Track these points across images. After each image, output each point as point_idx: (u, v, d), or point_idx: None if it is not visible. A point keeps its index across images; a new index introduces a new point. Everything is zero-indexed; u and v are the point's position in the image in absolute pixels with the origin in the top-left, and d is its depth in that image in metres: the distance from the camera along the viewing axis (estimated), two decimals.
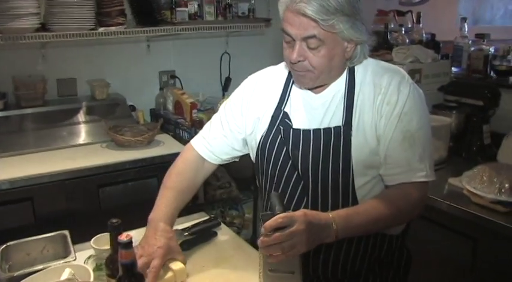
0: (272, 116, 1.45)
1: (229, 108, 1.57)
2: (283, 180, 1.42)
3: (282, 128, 1.42)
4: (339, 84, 1.39)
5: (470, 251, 1.90)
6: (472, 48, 2.76)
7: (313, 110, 1.41)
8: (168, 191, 1.51)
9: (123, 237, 1.06)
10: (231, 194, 3.09)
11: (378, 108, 1.34)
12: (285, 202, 1.36)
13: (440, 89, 2.63)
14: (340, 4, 1.24)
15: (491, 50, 2.69)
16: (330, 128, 1.36)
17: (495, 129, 2.45)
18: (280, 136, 1.42)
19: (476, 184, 1.88)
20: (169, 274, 1.33)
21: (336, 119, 1.37)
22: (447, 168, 2.31)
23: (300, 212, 1.16)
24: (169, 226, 1.42)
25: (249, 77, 1.59)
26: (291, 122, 1.42)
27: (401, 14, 3.61)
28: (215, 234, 1.63)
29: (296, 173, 1.40)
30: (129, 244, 1.06)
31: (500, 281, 1.83)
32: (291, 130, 1.40)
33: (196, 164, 1.59)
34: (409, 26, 3.44)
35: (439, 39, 3.09)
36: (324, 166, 1.36)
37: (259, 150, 1.47)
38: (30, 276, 1.22)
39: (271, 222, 1.12)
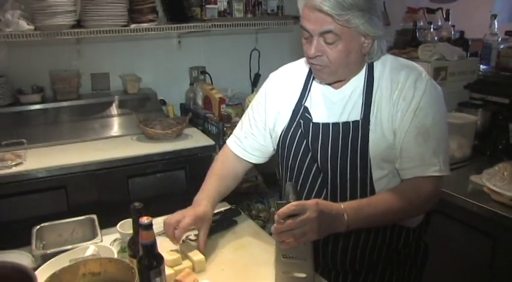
0: (293, 110, 1.51)
1: (255, 106, 1.64)
2: (303, 172, 1.47)
3: (302, 121, 1.47)
4: (358, 80, 1.43)
5: (489, 249, 1.91)
6: (502, 46, 2.73)
7: (333, 105, 1.45)
8: (212, 176, 1.63)
9: (144, 219, 1.13)
10: (258, 188, 3.14)
11: (395, 103, 1.38)
12: (304, 194, 1.43)
13: (466, 87, 2.62)
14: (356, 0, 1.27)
15: None
16: (348, 122, 1.40)
17: None
18: (300, 130, 1.47)
19: (496, 181, 1.88)
20: (188, 264, 1.39)
21: (354, 114, 1.41)
22: (471, 165, 2.32)
23: (312, 201, 1.21)
24: (209, 204, 1.52)
25: (271, 75, 1.65)
26: (311, 116, 1.47)
27: (431, 11, 3.58)
28: (235, 222, 1.69)
29: (316, 165, 1.44)
30: (149, 226, 1.13)
31: None
32: (311, 124, 1.45)
33: (234, 161, 1.67)
34: (439, 23, 3.42)
35: (471, 37, 3.06)
36: (342, 159, 1.40)
37: (280, 143, 1.53)
38: (61, 254, 1.32)
39: (284, 209, 1.18)
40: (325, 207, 1.22)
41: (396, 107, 1.38)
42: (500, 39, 2.80)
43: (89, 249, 1.28)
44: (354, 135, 1.39)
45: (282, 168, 1.55)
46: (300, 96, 1.52)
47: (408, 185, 1.38)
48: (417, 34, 3.10)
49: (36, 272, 1.14)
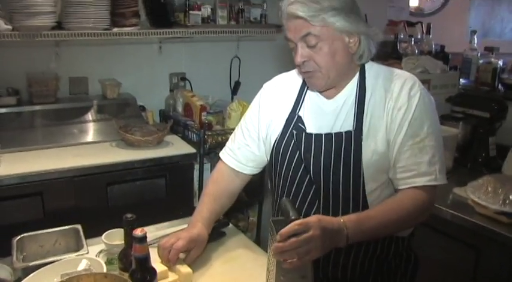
0: (286, 120, 1.50)
1: (248, 116, 1.63)
2: (295, 183, 1.46)
3: (295, 132, 1.46)
4: (350, 90, 1.44)
5: (473, 260, 1.93)
6: (481, 61, 2.79)
7: (326, 115, 1.45)
8: (205, 197, 1.62)
9: (138, 232, 1.09)
10: (237, 197, 3.11)
11: (389, 113, 1.38)
12: (296, 205, 1.41)
13: (448, 100, 2.66)
14: (329, 1, 1.31)
15: (500, 63, 2.72)
16: (341, 133, 1.40)
17: (501, 141, 2.49)
18: (293, 140, 1.46)
19: (480, 194, 1.91)
20: (175, 277, 1.36)
21: (347, 124, 1.41)
22: (452, 178, 2.31)
23: (314, 218, 1.19)
24: (204, 226, 1.50)
25: (265, 85, 1.65)
26: (304, 126, 1.47)
27: (411, 24, 3.66)
28: (224, 234, 1.67)
29: (308, 176, 1.44)
30: (143, 239, 1.09)
31: None
32: (304, 134, 1.45)
33: (229, 174, 1.65)
34: (419, 36, 3.49)
35: (449, 51, 3.13)
36: (335, 170, 1.39)
37: (273, 153, 1.52)
38: (45, 267, 1.25)
39: (287, 229, 1.14)
40: (327, 223, 1.21)
41: (391, 116, 1.38)
42: (479, 54, 2.87)
43: (81, 263, 1.22)
44: (346, 145, 1.39)
45: (275, 178, 1.53)
46: (294, 105, 1.51)
47: (405, 196, 1.37)
48: (398, 46, 3.15)
49: None
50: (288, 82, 1.58)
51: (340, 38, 1.35)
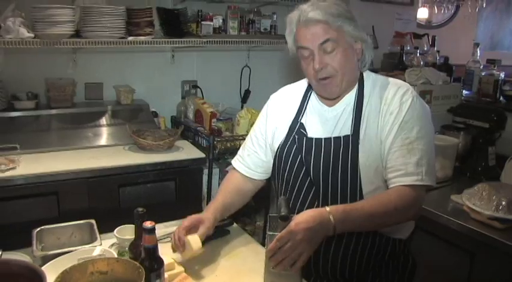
0: (290, 127, 1.62)
1: (257, 125, 1.76)
2: (296, 186, 1.57)
3: (297, 136, 1.58)
4: (350, 98, 1.55)
5: (467, 265, 2.00)
6: (483, 73, 2.87)
7: (327, 122, 1.57)
8: (218, 193, 1.73)
9: (148, 223, 1.19)
10: None
11: (382, 117, 1.49)
12: (297, 207, 1.52)
13: (449, 111, 2.73)
14: (340, 10, 1.46)
15: (502, 75, 2.80)
16: (339, 137, 1.51)
17: (501, 151, 2.55)
18: (295, 144, 1.57)
19: (475, 201, 1.98)
20: (181, 268, 1.45)
21: (345, 129, 1.52)
22: (452, 186, 2.42)
23: (293, 223, 1.27)
24: (210, 214, 1.60)
25: (271, 96, 1.77)
26: (306, 131, 1.58)
27: (417, 36, 3.73)
28: (228, 232, 1.76)
29: (309, 178, 1.54)
30: (152, 230, 1.19)
31: None
32: (305, 138, 1.56)
33: (240, 178, 1.77)
34: (425, 48, 3.56)
35: (455, 63, 3.21)
36: (333, 172, 1.49)
37: (277, 157, 1.63)
38: (63, 256, 1.37)
39: (271, 245, 1.27)
40: (306, 222, 1.27)
41: (383, 120, 1.48)
42: (482, 66, 2.94)
43: (96, 250, 1.33)
44: (344, 148, 1.49)
45: (278, 181, 1.64)
46: (297, 113, 1.63)
47: (392, 191, 1.44)
48: (404, 58, 3.23)
49: None
50: (292, 93, 1.70)
51: (351, 44, 1.49)
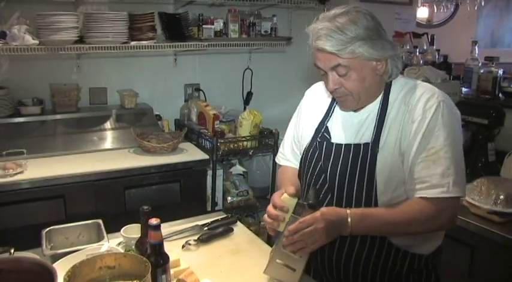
0: (316, 129, 1.60)
1: (292, 122, 1.76)
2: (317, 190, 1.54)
3: (319, 141, 1.56)
4: (375, 103, 1.48)
5: (468, 258, 2.03)
6: (482, 71, 2.90)
7: (351, 127, 1.52)
8: (282, 185, 1.66)
9: (153, 221, 1.23)
10: (248, 202, 3.24)
11: (404, 125, 1.41)
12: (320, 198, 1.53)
13: None
14: (354, 31, 1.34)
15: (500, 72, 2.82)
16: (359, 144, 1.46)
17: (500, 147, 2.58)
18: (317, 149, 1.55)
19: (474, 195, 2.01)
20: (186, 265, 1.49)
21: (367, 136, 1.46)
22: None
23: (319, 213, 1.33)
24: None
25: (306, 92, 1.75)
26: (330, 136, 1.55)
27: (417, 36, 3.77)
28: (232, 230, 1.80)
29: (327, 184, 1.51)
30: (157, 227, 1.23)
31: None
32: (326, 143, 1.54)
33: (287, 168, 1.76)
34: (424, 47, 3.59)
35: (455, 61, 3.23)
36: (350, 179, 1.46)
37: (303, 159, 1.62)
38: (71, 254, 1.41)
39: (294, 226, 1.33)
40: (330, 215, 1.34)
41: (405, 129, 1.41)
42: (480, 64, 2.97)
43: (104, 246, 1.37)
44: (363, 156, 1.44)
45: (302, 182, 1.63)
46: (324, 116, 1.60)
47: (414, 202, 1.39)
48: (403, 57, 3.26)
49: None
50: (323, 93, 1.65)
51: (369, 64, 1.39)
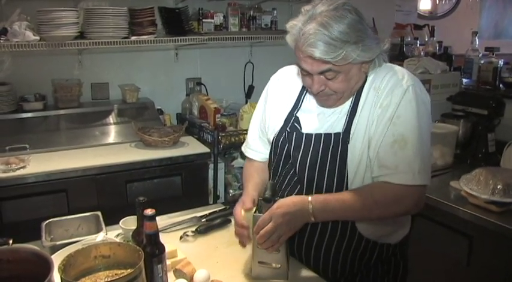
0: (285, 119, 1.55)
1: (257, 111, 1.72)
2: (285, 181, 1.52)
3: (289, 131, 1.52)
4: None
5: (466, 248, 2.04)
6: (482, 61, 2.89)
7: (324, 117, 1.48)
8: (246, 182, 1.66)
9: (148, 211, 1.25)
10: None
11: (372, 110, 1.39)
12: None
13: (448, 99, 2.76)
14: (345, 34, 1.28)
15: (501, 62, 2.82)
16: (330, 134, 1.43)
17: (500, 138, 2.58)
18: (286, 139, 1.52)
19: (472, 185, 2.02)
20: (183, 256, 1.51)
21: (339, 125, 1.43)
22: (452, 173, 2.45)
23: (274, 208, 1.33)
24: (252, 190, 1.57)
25: (271, 78, 1.69)
26: (300, 126, 1.51)
27: (418, 27, 3.76)
28: (229, 221, 1.81)
29: (295, 174, 1.49)
30: (153, 217, 1.25)
31: (493, 276, 1.96)
32: (296, 133, 1.50)
33: (253, 163, 1.73)
34: (426, 39, 3.59)
35: (459, 52, 3.23)
36: (320, 170, 1.43)
37: (272, 148, 1.59)
38: (70, 245, 1.44)
39: (256, 227, 1.35)
40: (288, 206, 1.33)
41: (373, 114, 1.38)
42: (481, 54, 2.97)
43: (99, 236, 1.40)
44: (334, 146, 1.41)
45: (270, 172, 1.61)
46: (293, 106, 1.55)
47: (376, 186, 1.38)
48: (404, 49, 3.26)
49: None
50: (292, 78, 1.61)
51: (357, 65, 1.36)
